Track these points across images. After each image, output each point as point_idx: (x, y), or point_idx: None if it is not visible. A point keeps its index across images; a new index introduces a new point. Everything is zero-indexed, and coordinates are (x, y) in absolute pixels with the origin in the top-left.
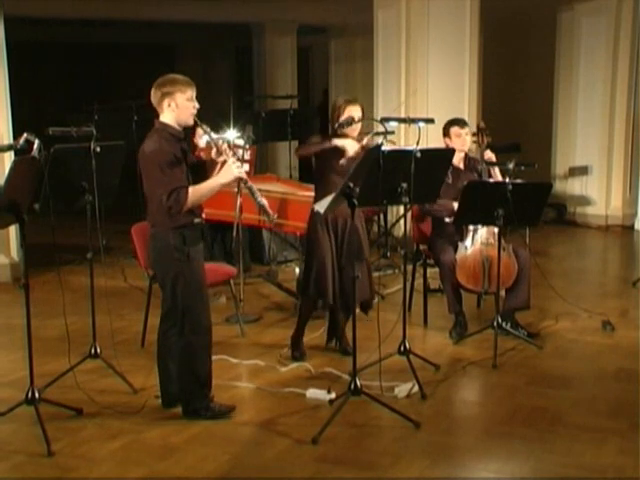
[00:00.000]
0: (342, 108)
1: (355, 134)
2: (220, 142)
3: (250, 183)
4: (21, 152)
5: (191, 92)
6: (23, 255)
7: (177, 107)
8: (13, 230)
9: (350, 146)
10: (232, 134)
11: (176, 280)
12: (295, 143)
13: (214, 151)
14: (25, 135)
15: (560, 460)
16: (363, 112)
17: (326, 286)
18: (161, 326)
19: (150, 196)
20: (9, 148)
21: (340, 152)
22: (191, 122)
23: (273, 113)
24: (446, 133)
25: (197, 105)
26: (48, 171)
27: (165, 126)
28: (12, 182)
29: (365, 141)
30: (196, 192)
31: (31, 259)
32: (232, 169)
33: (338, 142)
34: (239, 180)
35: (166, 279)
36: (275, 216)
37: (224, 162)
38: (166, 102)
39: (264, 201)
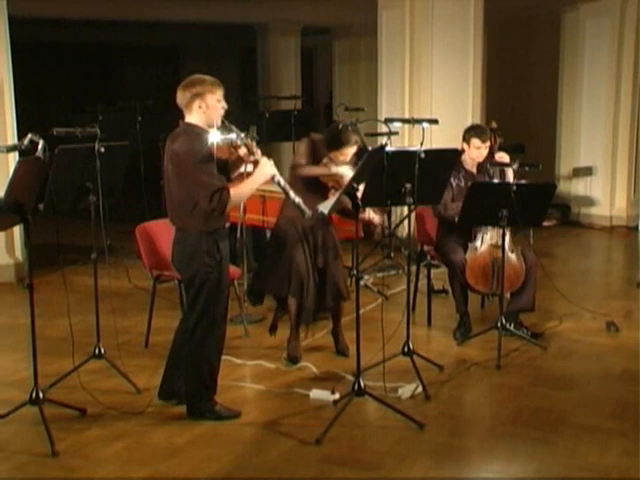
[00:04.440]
0: (342, 147)
1: (346, 159)
2: (249, 141)
3: (283, 182)
4: (25, 152)
5: (220, 93)
6: (27, 255)
7: (207, 108)
8: (17, 230)
9: (347, 173)
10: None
11: (203, 284)
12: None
13: (243, 151)
14: (30, 135)
15: (564, 461)
16: (360, 139)
17: (308, 291)
18: (181, 324)
19: (185, 198)
20: (14, 148)
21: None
22: (219, 123)
23: (277, 113)
24: (466, 140)
25: (226, 106)
26: (52, 171)
27: (193, 127)
28: (16, 182)
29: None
30: (237, 192)
31: (35, 259)
32: (267, 167)
33: (335, 169)
34: (272, 178)
35: (193, 282)
36: (310, 213)
37: (255, 161)
38: (196, 103)
39: (298, 198)
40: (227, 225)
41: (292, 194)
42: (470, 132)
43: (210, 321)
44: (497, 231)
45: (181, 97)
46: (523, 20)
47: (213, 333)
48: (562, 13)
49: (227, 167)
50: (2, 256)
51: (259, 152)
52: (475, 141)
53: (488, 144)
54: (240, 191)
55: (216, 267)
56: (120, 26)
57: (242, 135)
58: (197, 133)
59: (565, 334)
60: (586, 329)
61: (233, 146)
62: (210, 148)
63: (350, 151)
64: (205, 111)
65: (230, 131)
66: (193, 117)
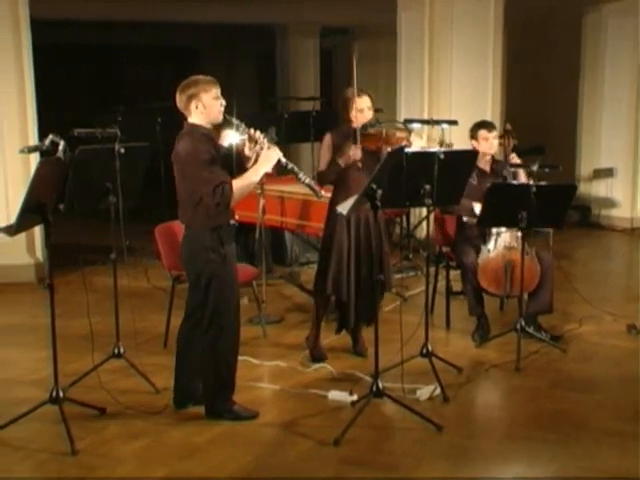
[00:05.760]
0: (351, 102)
1: (365, 121)
2: (252, 131)
3: (291, 164)
4: (47, 153)
5: (215, 90)
6: (48, 255)
7: (205, 107)
8: (38, 230)
9: (352, 152)
10: None
11: (210, 281)
12: (318, 145)
13: (247, 143)
14: (51, 136)
15: (583, 464)
16: (372, 100)
17: (341, 285)
18: (184, 324)
19: (189, 196)
20: (35, 149)
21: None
22: (221, 119)
23: (296, 114)
24: (473, 136)
25: (224, 102)
26: (73, 172)
27: (196, 127)
28: (38, 183)
29: (384, 132)
30: (240, 184)
31: (55, 259)
32: (270, 154)
33: (342, 160)
34: (279, 163)
35: (200, 280)
36: (323, 193)
37: (260, 150)
38: (193, 104)
39: (309, 179)
40: (233, 222)
41: (302, 175)
42: (475, 127)
43: (223, 319)
44: (511, 233)
45: (178, 100)
46: (544, 21)
47: (227, 331)
48: (584, 14)
49: (241, 158)
50: (23, 256)
51: (264, 140)
52: (482, 132)
53: (496, 134)
54: (244, 182)
55: (221, 263)
56: (141, 28)
57: (243, 126)
58: (201, 133)
59: (585, 337)
60: (606, 332)
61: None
62: (212, 147)
63: (365, 102)
64: (203, 111)
65: (232, 124)
66: (194, 118)
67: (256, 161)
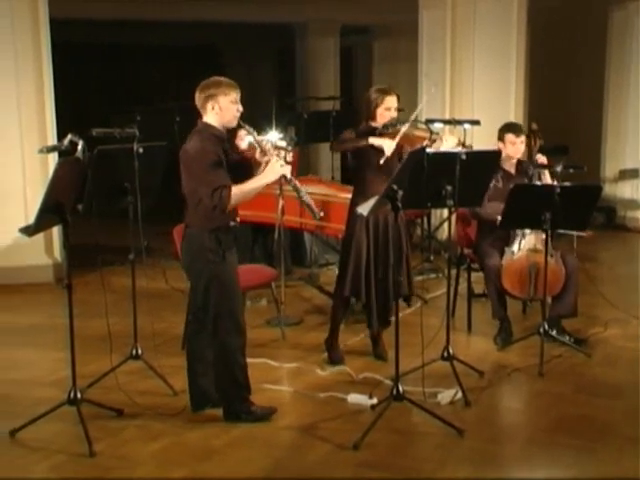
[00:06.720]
0: (379, 100)
1: (392, 112)
2: (264, 142)
3: (295, 181)
4: (65, 153)
5: (235, 94)
6: (66, 256)
7: (221, 110)
8: (56, 231)
9: (387, 146)
10: (274, 135)
11: (210, 282)
12: None
13: (258, 151)
14: (69, 136)
15: (606, 470)
16: (399, 100)
17: (360, 286)
18: (189, 327)
19: (190, 195)
20: (54, 149)
21: (378, 151)
22: (235, 124)
23: (315, 114)
24: (501, 138)
25: (241, 108)
26: (91, 172)
27: (208, 127)
28: (56, 183)
29: (403, 129)
30: (240, 190)
31: (74, 260)
32: (276, 167)
33: (375, 141)
34: (283, 178)
35: (200, 281)
36: (321, 213)
37: (268, 162)
38: (210, 105)
39: (309, 198)
40: (233, 224)
41: (303, 193)
42: (503, 130)
43: (227, 321)
44: (536, 235)
45: (197, 99)
46: (569, 19)
47: (234, 332)
48: (609, 12)
49: (250, 166)
50: (41, 256)
51: (273, 152)
52: (509, 136)
53: (523, 138)
54: (245, 188)
55: (220, 264)
56: (159, 27)
57: (257, 136)
58: (210, 133)
59: (610, 340)
60: (632, 335)
61: (253, 148)
62: (220, 150)
63: (392, 100)
64: (218, 112)
65: (247, 131)
66: (209, 117)
67: (263, 168)
